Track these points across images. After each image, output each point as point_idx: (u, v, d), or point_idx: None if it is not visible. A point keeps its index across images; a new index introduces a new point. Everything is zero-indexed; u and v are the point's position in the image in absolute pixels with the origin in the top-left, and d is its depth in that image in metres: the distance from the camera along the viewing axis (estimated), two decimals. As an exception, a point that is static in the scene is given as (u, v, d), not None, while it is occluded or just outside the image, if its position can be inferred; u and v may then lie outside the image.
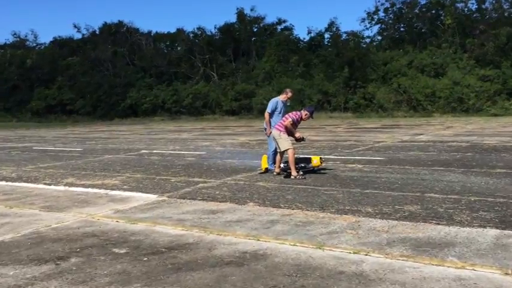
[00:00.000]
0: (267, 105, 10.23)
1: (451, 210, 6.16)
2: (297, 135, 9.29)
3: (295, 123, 9.40)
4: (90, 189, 8.50)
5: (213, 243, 5.07)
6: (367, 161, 11.33)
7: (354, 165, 10.63)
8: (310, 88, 43.74)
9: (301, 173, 9.35)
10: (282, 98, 9.91)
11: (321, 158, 9.48)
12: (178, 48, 59.37)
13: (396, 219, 5.83)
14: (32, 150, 16.76)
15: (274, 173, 9.49)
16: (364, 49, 46.57)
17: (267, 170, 9.86)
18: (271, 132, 9.60)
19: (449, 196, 7.03)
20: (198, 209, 6.72)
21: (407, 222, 5.68)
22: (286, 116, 9.52)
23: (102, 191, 8.34)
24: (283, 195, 7.46)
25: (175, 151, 15.14)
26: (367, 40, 52.42)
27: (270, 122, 9.80)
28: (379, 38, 53.37)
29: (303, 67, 46.94)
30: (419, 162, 10.78)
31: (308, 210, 6.47)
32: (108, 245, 5.11)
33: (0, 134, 28.42)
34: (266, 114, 9.81)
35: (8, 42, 65.83)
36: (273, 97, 10.69)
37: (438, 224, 5.58)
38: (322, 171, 9.76)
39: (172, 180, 9.26)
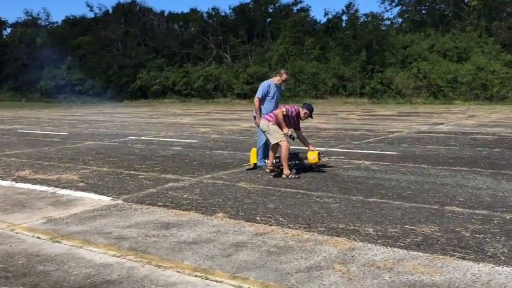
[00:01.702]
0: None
1: (480, 236, 4.57)
2: (285, 130, 7.69)
3: (289, 118, 7.79)
4: (38, 187, 7.07)
5: (142, 284, 3.58)
6: (377, 156, 9.71)
7: (360, 161, 9.03)
8: (326, 72, 41.89)
9: (295, 171, 7.79)
10: (275, 80, 8.32)
11: (319, 154, 7.90)
12: (192, 29, 57.69)
13: (405, 248, 4.27)
14: (14, 134, 15.45)
15: (267, 171, 7.94)
16: (383, 32, 44.36)
17: (255, 166, 8.33)
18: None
19: (476, 212, 5.43)
20: (151, 221, 5.23)
21: (421, 254, 4.12)
22: (282, 106, 7.91)
23: (51, 189, 6.91)
24: (265, 203, 5.93)
25: (165, 138, 13.67)
26: (387, 22, 50.15)
27: (260, 109, 8.23)
28: (400, 20, 51.06)
29: (318, 50, 44.97)
30: (438, 160, 9.13)
31: (290, 227, 4.94)
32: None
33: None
34: (256, 100, 8.23)
35: (19, 21, 64.74)
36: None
37: (463, 258, 4.01)
38: (321, 169, 8.19)
39: (141, 176, 7.78)
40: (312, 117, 8.05)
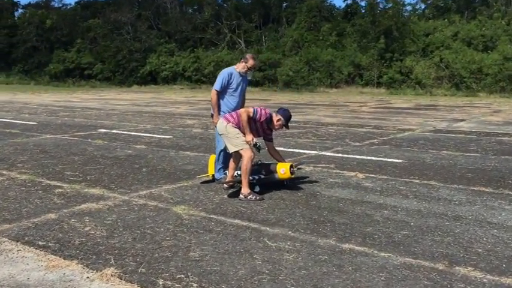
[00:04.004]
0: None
1: None
2: (248, 138, 5.74)
3: (255, 123, 5.85)
4: None
5: None
6: (376, 165, 7.73)
7: (352, 173, 7.06)
8: (341, 59, 39.52)
9: (258, 189, 5.88)
10: (239, 68, 6.36)
11: (291, 167, 5.94)
12: (205, 13, 55.67)
13: None
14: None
15: (225, 186, 6.05)
16: (404, 18, 41.71)
17: (214, 178, 6.45)
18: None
19: (503, 280, 3.46)
20: (2, 278, 3.41)
21: None
22: (250, 107, 5.94)
23: None
24: (189, 248, 4.06)
25: (139, 132, 11.85)
26: (408, 8, 47.43)
27: (218, 105, 6.31)
28: (422, 6, 48.26)
29: (335, 36, 42.58)
30: (453, 174, 7.12)
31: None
32: None
33: (-12, 99, 25.86)
34: (213, 93, 6.31)
35: (32, 2, 63.51)
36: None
37: None
38: (297, 185, 6.27)
39: (59, 190, 5.96)
40: (287, 127, 6.07)
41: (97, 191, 5.92)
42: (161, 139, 10.67)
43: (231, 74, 6.27)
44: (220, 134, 5.92)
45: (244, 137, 5.70)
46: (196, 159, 8.19)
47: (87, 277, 3.49)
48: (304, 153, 8.86)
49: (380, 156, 8.52)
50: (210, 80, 45.58)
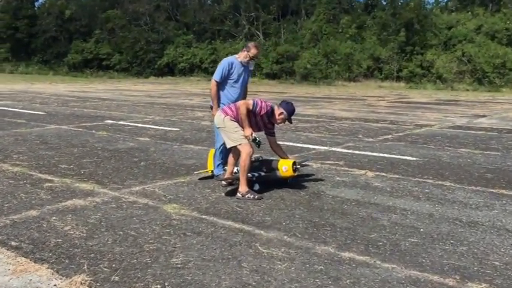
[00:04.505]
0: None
1: None
2: (246, 132, 5.33)
3: (255, 116, 5.43)
4: None
5: None
6: (388, 163, 7.27)
7: (362, 171, 6.62)
8: (361, 52, 38.76)
9: (258, 187, 5.49)
10: (241, 57, 5.95)
11: (294, 164, 5.52)
12: (224, 4, 55.20)
13: None
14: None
15: (223, 183, 5.68)
16: (425, 10, 40.69)
17: (213, 174, 6.08)
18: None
19: (523, 302, 3.03)
20: (-43, 286, 3.09)
21: None
22: (250, 100, 5.52)
23: None
24: (172, 254, 3.69)
25: (146, 124, 11.54)
26: (431, 0, 46.31)
27: (218, 97, 5.92)
28: (446, -2, 47.02)
29: (354, 29, 41.78)
30: (470, 174, 6.63)
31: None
32: None
33: (2, 88, 25.82)
34: (212, 84, 5.91)
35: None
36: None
37: None
38: (301, 183, 5.86)
39: (48, 184, 5.65)
40: (290, 121, 5.65)
41: (87, 186, 5.59)
42: (167, 131, 10.33)
43: (232, 64, 5.87)
44: (218, 128, 5.54)
45: (243, 131, 5.30)
46: (199, 153, 7.82)
47: (54, 285, 3.16)
48: (314, 149, 8.44)
49: (393, 153, 8.05)
50: (227, 72, 45.24)
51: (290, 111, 5.48)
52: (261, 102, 5.39)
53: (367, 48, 38.69)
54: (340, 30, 42.53)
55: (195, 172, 6.31)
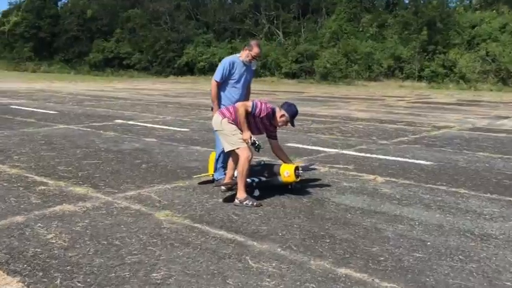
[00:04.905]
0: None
1: None
2: (245, 136, 5.03)
3: (255, 119, 5.13)
4: None
5: None
6: (400, 167, 6.91)
7: (371, 176, 6.28)
8: (381, 52, 38.14)
9: (258, 193, 5.21)
10: (242, 56, 5.67)
11: (296, 170, 5.22)
12: (245, 3, 54.99)
13: None
14: (-2, 111, 13.62)
15: (222, 189, 5.41)
16: (449, 8, 39.83)
17: (214, 178, 5.82)
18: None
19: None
20: None
21: None
22: (249, 101, 5.23)
23: None
24: (153, 267, 3.43)
25: (156, 124, 11.36)
26: (455, -2, 45.26)
27: (218, 99, 5.65)
28: (470, -4, 45.97)
29: (375, 28, 41.14)
30: (488, 180, 6.24)
31: None
32: None
33: (22, 87, 26.02)
34: (213, 84, 5.63)
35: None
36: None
37: None
38: (305, 188, 5.56)
39: (41, 188, 5.46)
40: (292, 124, 5.32)
41: (81, 190, 5.38)
42: (176, 132, 10.12)
43: (233, 63, 5.59)
44: (215, 131, 5.28)
45: (242, 134, 5.03)
46: (205, 155, 7.53)
47: (22, 301, 2.93)
48: (324, 152, 8.12)
49: (407, 157, 7.69)
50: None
51: (292, 113, 5.17)
52: (261, 104, 5.10)
53: (388, 48, 38.06)
54: (360, 29, 41.96)
55: (195, 176, 6.06)
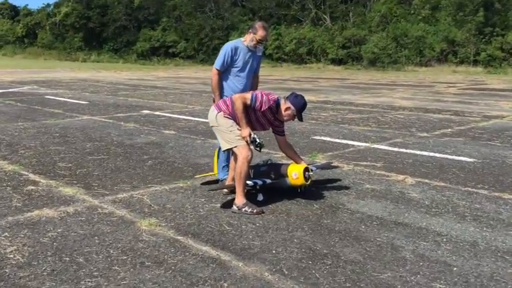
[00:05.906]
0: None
1: None
2: (244, 133, 4.38)
3: (255, 112, 4.45)
4: None
5: None
6: (437, 165, 6.06)
7: (400, 177, 5.48)
8: (434, 35, 36.26)
9: (261, 198, 4.56)
10: (247, 41, 5.00)
11: (305, 171, 4.51)
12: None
13: None
14: (31, 101, 13.49)
15: (224, 192, 4.80)
16: (508, -12, 37.30)
17: (218, 179, 5.21)
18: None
19: None
20: None
21: None
22: (249, 93, 4.54)
23: None
24: (109, 294, 2.86)
25: (182, 115, 10.87)
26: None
27: (219, 89, 5.00)
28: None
29: (428, 10, 39.13)
30: (540, 182, 5.31)
31: None
32: None
33: (67, 76, 26.29)
34: (213, 73, 4.98)
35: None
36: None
37: None
38: (320, 191, 4.85)
39: (29, 188, 5.02)
40: (300, 118, 4.59)
41: (70, 191, 4.89)
42: (199, 123, 9.58)
43: (236, 49, 4.92)
44: (211, 126, 4.65)
45: (240, 130, 4.38)
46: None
47: None
48: (352, 146, 7.34)
49: (447, 153, 6.80)
50: (291, 58, 44.18)
51: (299, 106, 4.45)
52: (262, 95, 4.42)
53: (441, 30, 36.13)
54: (412, 12, 40.07)
55: (196, 176, 5.47)
